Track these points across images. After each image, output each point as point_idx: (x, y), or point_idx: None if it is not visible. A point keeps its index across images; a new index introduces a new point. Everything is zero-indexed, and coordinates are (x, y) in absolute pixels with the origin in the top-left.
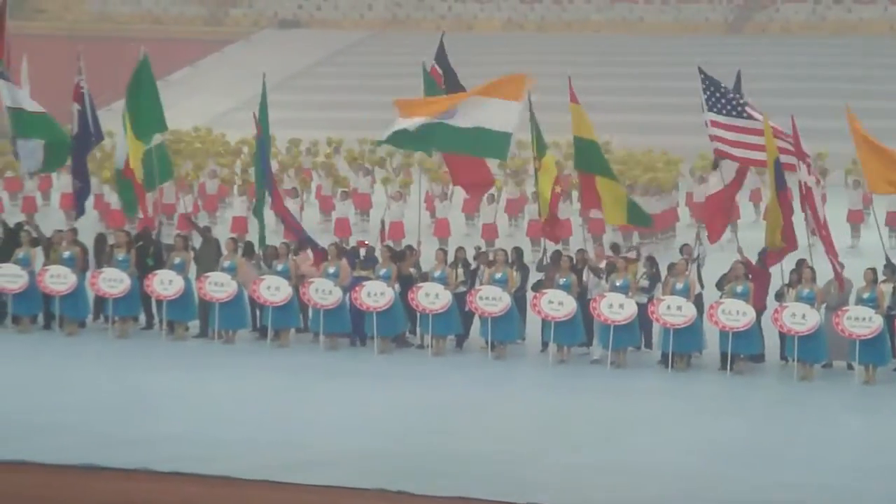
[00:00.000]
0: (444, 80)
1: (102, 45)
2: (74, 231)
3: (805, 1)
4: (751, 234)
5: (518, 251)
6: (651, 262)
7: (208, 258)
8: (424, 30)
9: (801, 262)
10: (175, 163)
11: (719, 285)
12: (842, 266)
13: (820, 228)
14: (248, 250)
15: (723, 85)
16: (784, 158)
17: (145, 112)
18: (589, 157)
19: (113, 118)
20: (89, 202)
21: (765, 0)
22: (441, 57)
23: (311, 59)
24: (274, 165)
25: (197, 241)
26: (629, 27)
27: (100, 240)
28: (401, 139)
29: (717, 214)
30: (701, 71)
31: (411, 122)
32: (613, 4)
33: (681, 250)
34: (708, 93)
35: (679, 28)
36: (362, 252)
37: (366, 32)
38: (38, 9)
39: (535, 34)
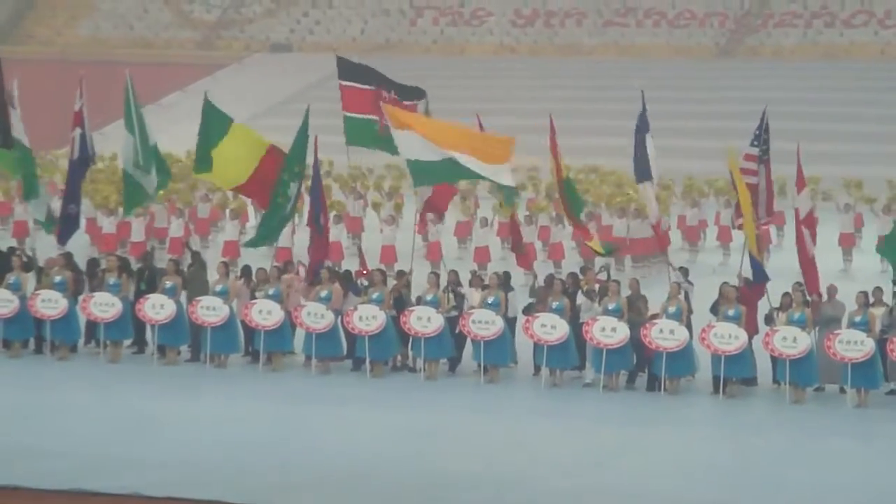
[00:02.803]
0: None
1: (93, 69)
2: (67, 255)
3: (796, 25)
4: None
5: (506, 274)
6: (635, 283)
7: (199, 283)
8: (416, 53)
9: (794, 286)
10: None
11: (714, 310)
12: (820, 296)
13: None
14: (246, 273)
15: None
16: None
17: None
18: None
19: (104, 142)
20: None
21: (756, 24)
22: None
23: (303, 83)
24: None
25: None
26: (621, 51)
27: (92, 264)
28: (421, 175)
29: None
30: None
31: (414, 140)
32: (605, 28)
33: (678, 271)
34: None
35: (671, 51)
36: (361, 282)
37: (358, 57)
38: (29, 33)
39: (527, 58)
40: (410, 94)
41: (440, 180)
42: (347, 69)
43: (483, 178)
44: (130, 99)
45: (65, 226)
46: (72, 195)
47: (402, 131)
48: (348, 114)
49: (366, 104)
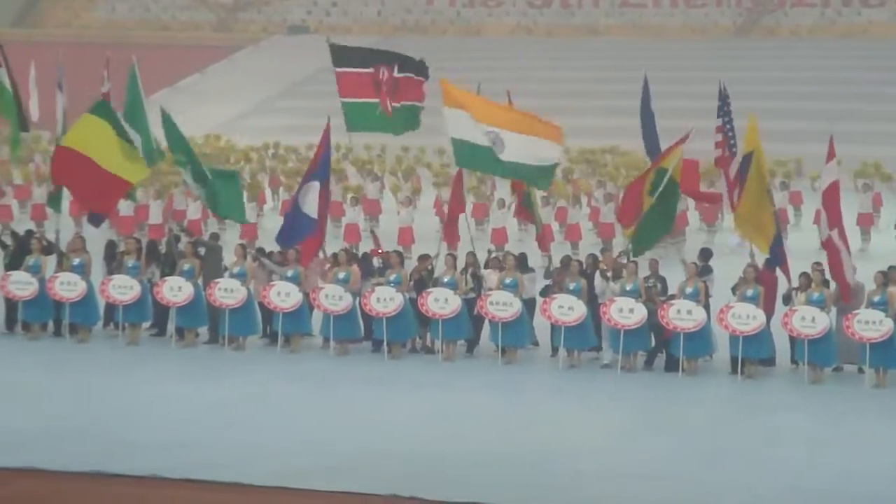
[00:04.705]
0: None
1: (110, 52)
2: (82, 239)
3: (814, 4)
4: None
5: (523, 255)
6: (655, 263)
7: (211, 267)
8: (433, 34)
9: (813, 265)
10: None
11: (735, 290)
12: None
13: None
14: (260, 255)
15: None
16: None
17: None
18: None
19: None
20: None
21: (773, 3)
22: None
23: (320, 65)
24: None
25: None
26: (638, 31)
27: (110, 246)
28: (464, 157)
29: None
30: (723, 86)
31: (464, 123)
32: (622, 9)
33: (700, 254)
34: (722, 103)
35: (688, 31)
36: (376, 261)
37: (375, 38)
38: (46, 16)
39: (543, 39)
40: (415, 69)
41: (481, 168)
42: (341, 54)
43: (521, 173)
44: (138, 87)
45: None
46: None
47: (454, 110)
48: (346, 100)
49: (364, 88)
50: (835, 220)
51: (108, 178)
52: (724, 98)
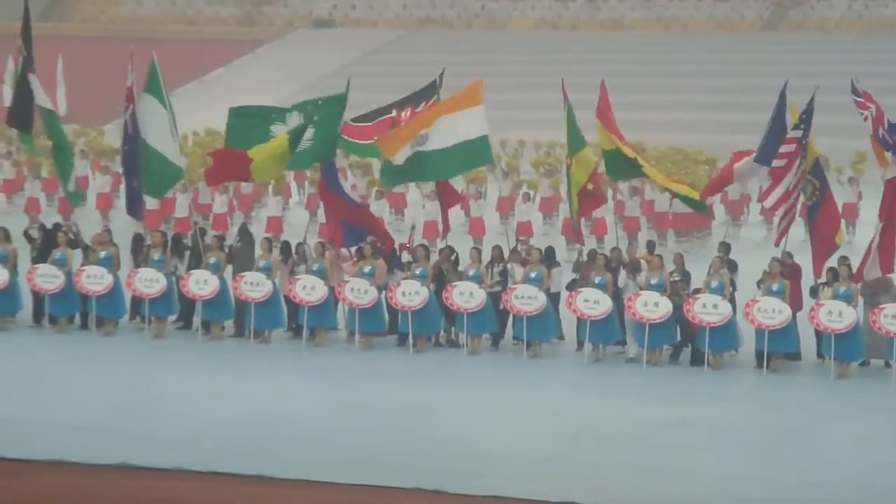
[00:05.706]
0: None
1: (136, 45)
2: (109, 232)
3: None
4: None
5: (549, 249)
6: (680, 257)
7: (244, 260)
8: (458, 29)
9: (839, 260)
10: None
11: (759, 284)
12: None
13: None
14: (285, 250)
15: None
16: None
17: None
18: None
19: None
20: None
21: None
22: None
23: (346, 59)
24: None
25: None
26: (664, 25)
27: (137, 240)
28: (393, 175)
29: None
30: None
31: (397, 158)
32: (648, 3)
33: (719, 248)
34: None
35: (714, 25)
36: (404, 255)
37: (400, 32)
38: (74, 10)
39: (568, 32)
40: (426, 94)
41: (421, 178)
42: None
43: (457, 165)
44: (159, 82)
45: (131, 200)
46: (132, 170)
47: (395, 155)
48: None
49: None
50: (882, 213)
51: (243, 160)
52: (808, 112)
